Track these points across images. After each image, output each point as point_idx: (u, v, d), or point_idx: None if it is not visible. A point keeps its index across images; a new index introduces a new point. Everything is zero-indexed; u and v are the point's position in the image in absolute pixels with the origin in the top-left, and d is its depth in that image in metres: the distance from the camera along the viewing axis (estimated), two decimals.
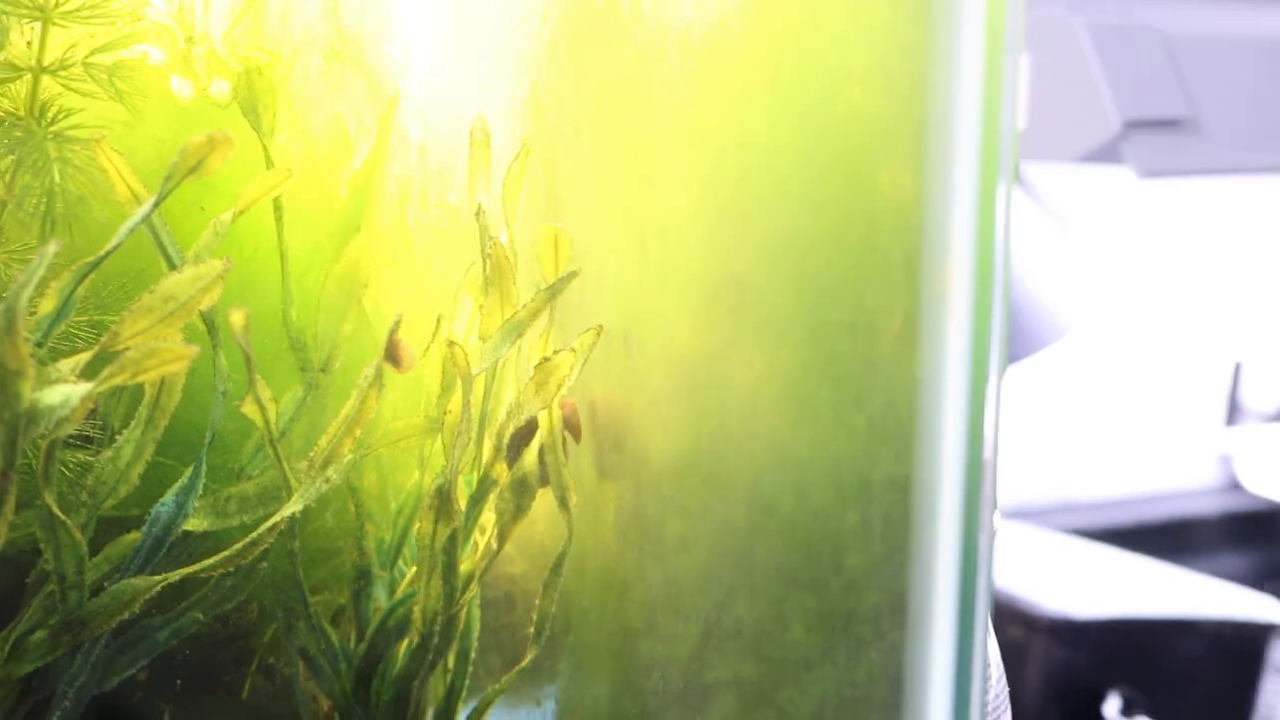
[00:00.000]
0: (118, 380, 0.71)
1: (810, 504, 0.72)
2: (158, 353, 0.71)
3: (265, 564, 0.81)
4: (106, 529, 0.78)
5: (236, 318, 0.76)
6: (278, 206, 0.82)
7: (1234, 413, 2.25)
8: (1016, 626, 1.55)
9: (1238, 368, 2.24)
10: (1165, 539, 2.02)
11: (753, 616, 0.76)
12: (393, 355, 0.77)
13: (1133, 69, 1.28)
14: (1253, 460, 2.15)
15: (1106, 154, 1.28)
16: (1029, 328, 1.67)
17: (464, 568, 0.85)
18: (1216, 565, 2.01)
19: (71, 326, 0.76)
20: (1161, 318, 2.17)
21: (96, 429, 0.78)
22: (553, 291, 0.81)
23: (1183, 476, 2.15)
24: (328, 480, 0.77)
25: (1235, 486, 2.16)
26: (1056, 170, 1.59)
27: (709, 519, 0.79)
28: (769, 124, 0.73)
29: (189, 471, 0.79)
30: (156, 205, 0.75)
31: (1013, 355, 1.68)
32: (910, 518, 0.67)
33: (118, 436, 0.77)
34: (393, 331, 0.77)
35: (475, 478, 0.85)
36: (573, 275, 0.81)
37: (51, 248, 0.68)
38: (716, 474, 0.78)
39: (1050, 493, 2.01)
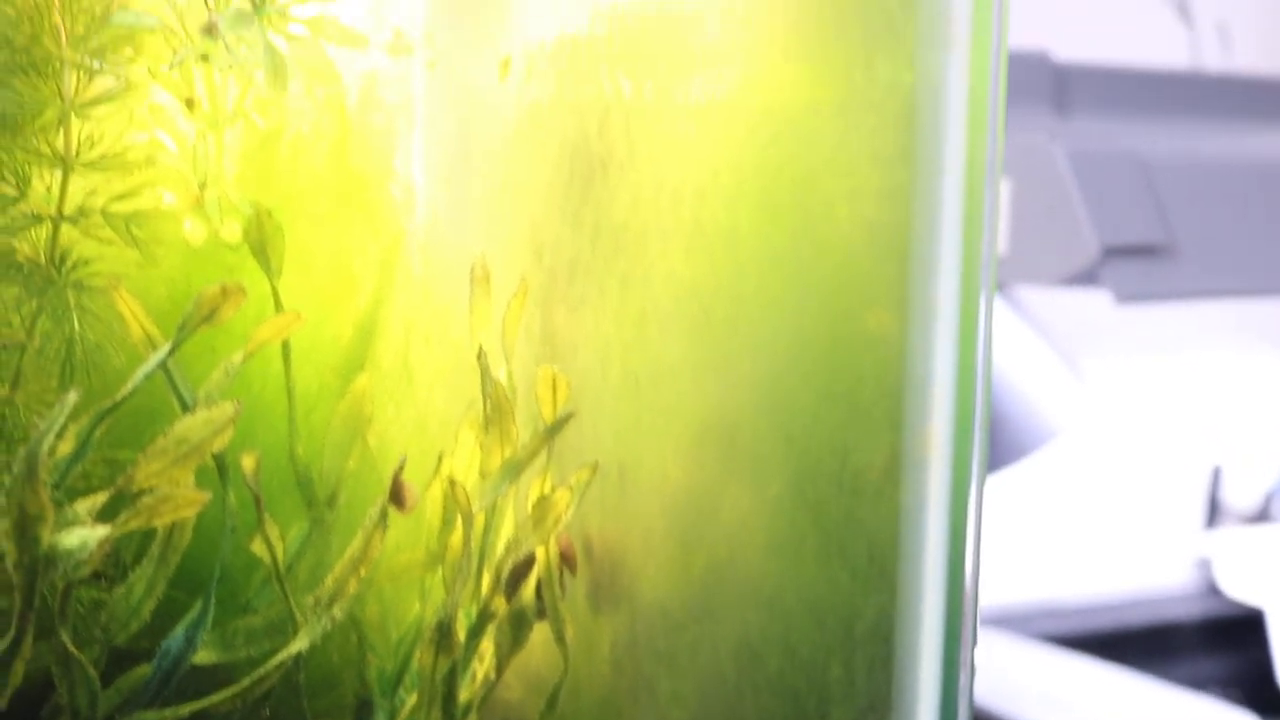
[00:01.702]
0: (134, 525, 0.73)
1: (798, 657, 0.74)
2: (172, 499, 0.73)
3: (271, 697, 0.83)
4: (118, 661, 0.80)
5: (248, 462, 0.78)
6: (285, 346, 0.85)
7: (1213, 516, 2.27)
8: None
9: (1216, 471, 2.26)
10: (1144, 644, 2.04)
11: None
12: (397, 496, 0.79)
13: (1112, 195, 1.31)
14: (1231, 564, 2.17)
15: (1086, 278, 1.31)
16: (1014, 435, 1.69)
17: (463, 697, 0.87)
18: (1194, 671, 2.02)
19: (87, 464, 0.78)
20: (1141, 427, 2.20)
21: (109, 565, 0.80)
22: (550, 432, 0.84)
23: (1162, 580, 2.17)
24: (333, 618, 0.79)
25: (1213, 591, 2.18)
26: (1039, 293, 1.62)
27: (699, 672, 0.81)
28: (756, 277, 0.76)
29: (198, 605, 0.82)
30: (171, 353, 0.77)
31: (998, 462, 1.70)
32: (892, 666, 0.69)
33: (130, 572, 0.80)
34: (397, 473, 0.80)
35: (474, 610, 0.88)
36: (570, 416, 0.84)
37: (72, 397, 0.71)
38: (706, 620, 0.80)
39: (1031, 597, 2.03)
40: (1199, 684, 1.79)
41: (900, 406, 0.68)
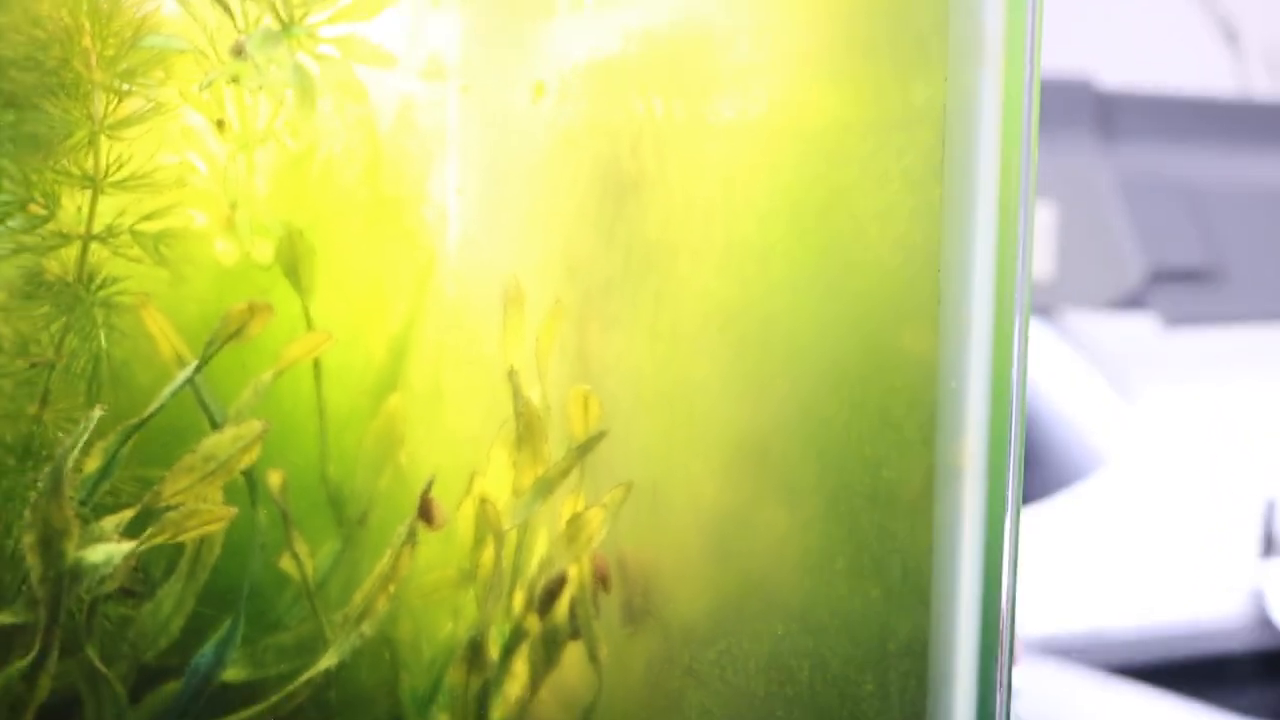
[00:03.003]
0: (160, 540, 0.73)
1: (830, 672, 0.74)
2: (198, 513, 0.74)
3: (302, 714, 0.83)
4: (147, 678, 0.81)
5: (274, 479, 0.78)
6: (316, 365, 0.85)
7: (1267, 547, 2.25)
8: None
9: (1271, 503, 2.25)
10: (1197, 676, 2.02)
11: None
12: (425, 514, 0.79)
13: (1156, 219, 1.31)
14: None
15: (1132, 302, 1.30)
16: (1065, 463, 1.69)
17: (496, 716, 0.87)
18: (1247, 702, 2.00)
19: (117, 481, 0.79)
20: (1193, 455, 2.19)
21: (139, 581, 0.80)
22: (582, 451, 0.83)
23: (1215, 611, 2.15)
24: (362, 635, 0.79)
25: (1267, 623, 2.16)
26: (1085, 317, 1.61)
27: (727, 688, 0.80)
28: (788, 294, 0.76)
29: (228, 622, 0.82)
30: (198, 370, 0.77)
31: (1048, 489, 1.69)
32: (927, 684, 0.68)
33: (159, 589, 0.80)
34: (425, 491, 0.80)
35: (507, 628, 0.88)
36: (601, 435, 0.84)
37: (96, 413, 0.71)
38: (737, 635, 0.80)
39: (1082, 627, 2.01)
40: (1252, 716, 1.77)
41: (933, 423, 0.68)
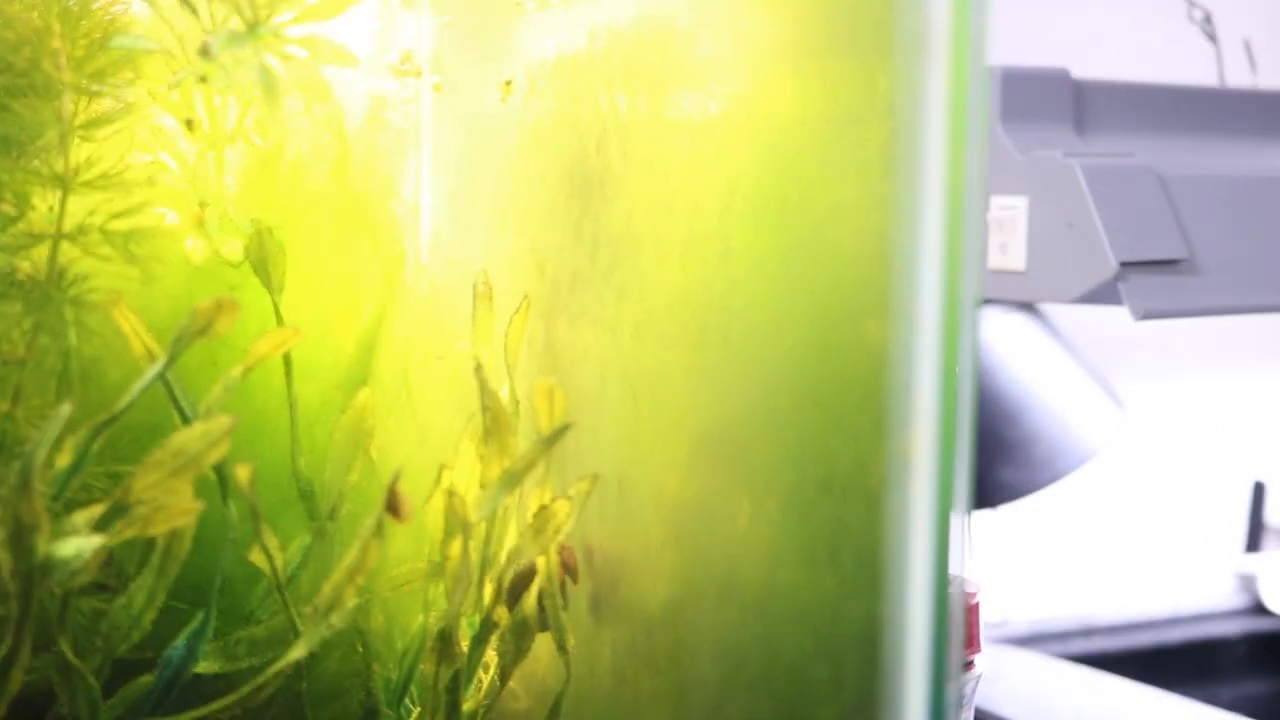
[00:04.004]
0: (129, 534, 0.74)
1: (783, 659, 0.75)
2: (166, 507, 0.75)
3: (274, 706, 0.85)
4: (120, 671, 0.82)
5: (242, 473, 0.79)
6: (287, 361, 0.86)
7: (1256, 534, 2.26)
8: None
9: (1259, 488, 2.25)
10: (1186, 663, 2.03)
11: None
12: (393, 506, 0.80)
13: (1129, 211, 1.31)
14: (1276, 582, 2.16)
15: (1105, 294, 1.31)
16: (1053, 454, 1.69)
17: (467, 706, 0.88)
18: (1238, 691, 2.01)
19: (90, 477, 0.80)
20: (1178, 443, 2.20)
21: (111, 576, 0.81)
22: (548, 443, 0.85)
23: (1204, 598, 2.16)
24: (330, 626, 0.80)
25: (1259, 609, 2.16)
26: (1063, 309, 1.62)
27: (682, 675, 0.82)
28: (747, 287, 0.77)
29: (200, 616, 0.83)
30: (167, 367, 0.79)
31: (1037, 481, 1.70)
32: (879, 670, 0.69)
33: (131, 583, 0.81)
34: (392, 484, 0.81)
35: (477, 619, 0.89)
36: (566, 428, 0.85)
37: (65, 409, 0.73)
38: (693, 625, 0.81)
39: (1070, 616, 2.02)
40: (1243, 704, 1.78)
41: (886, 414, 0.69)
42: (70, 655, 0.77)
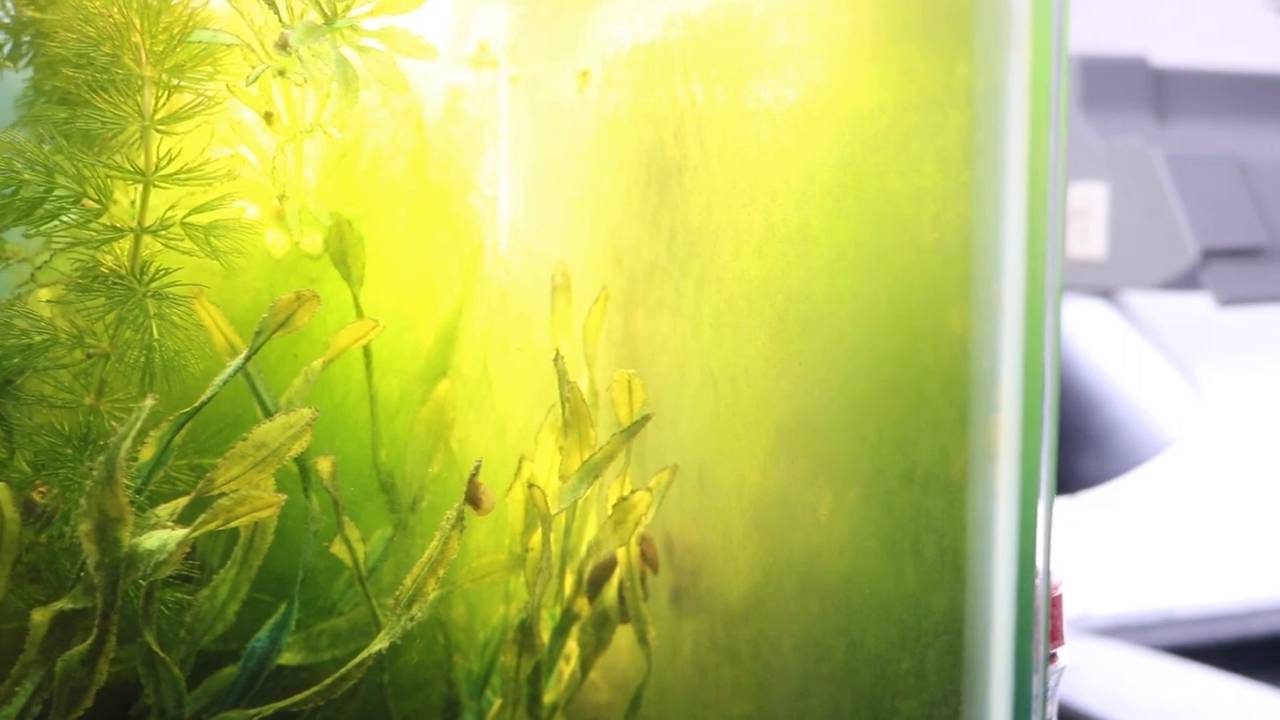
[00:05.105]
0: (212, 526, 0.75)
1: (865, 651, 0.75)
2: (249, 500, 0.75)
3: (357, 697, 0.85)
4: (205, 663, 0.82)
5: (323, 466, 0.80)
6: (367, 353, 0.87)
7: None
8: None
9: None
10: (1270, 654, 2.01)
11: None
12: (473, 498, 0.80)
13: (1210, 198, 1.31)
14: None
15: (1186, 281, 1.30)
16: (1132, 443, 1.68)
17: (548, 698, 0.88)
18: None
19: (173, 470, 0.80)
20: (1259, 432, 2.18)
21: (195, 568, 0.81)
22: (627, 435, 0.84)
23: None
24: (412, 618, 0.80)
25: None
26: (1144, 297, 1.61)
27: (762, 666, 0.81)
28: (827, 276, 0.76)
29: (283, 607, 0.83)
30: (248, 360, 0.79)
31: (1116, 469, 1.69)
32: (963, 662, 0.69)
33: (215, 575, 0.82)
34: (473, 475, 0.81)
35: (558, 611, 0.89)
36: (646, 419, 0.85)
37: (149, 403, 0.73)
38: (774, 616, 0.81)
39: (1151, 607, 2.01)
40: None
41: (968, 402, 0.68)
42: (155, 646, 0.77)
